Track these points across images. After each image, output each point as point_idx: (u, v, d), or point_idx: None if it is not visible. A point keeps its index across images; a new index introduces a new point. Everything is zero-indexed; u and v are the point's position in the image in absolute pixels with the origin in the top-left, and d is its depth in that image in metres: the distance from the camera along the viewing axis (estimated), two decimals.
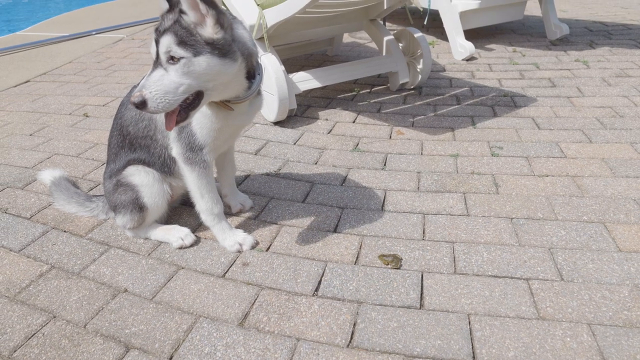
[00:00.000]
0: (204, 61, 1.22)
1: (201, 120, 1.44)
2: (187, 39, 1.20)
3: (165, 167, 1.63)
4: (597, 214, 1.70)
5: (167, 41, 1.20)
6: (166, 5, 1.24)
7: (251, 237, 1.63)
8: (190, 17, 1.20)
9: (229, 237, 1.61)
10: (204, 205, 1.59)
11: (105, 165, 1.75)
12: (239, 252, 1.60)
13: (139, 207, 1.60)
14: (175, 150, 1.53)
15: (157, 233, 1.67)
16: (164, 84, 1.21)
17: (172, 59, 1.21)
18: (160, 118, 1.53)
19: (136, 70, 3.70)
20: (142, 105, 1.20)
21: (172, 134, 1.51)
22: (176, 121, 1.28)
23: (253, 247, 1.62)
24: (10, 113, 2.92)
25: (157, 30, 1.23)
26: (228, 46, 1.26)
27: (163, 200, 1.64)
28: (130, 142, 1.62)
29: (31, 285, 1.48)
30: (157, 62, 1.23)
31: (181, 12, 1.20)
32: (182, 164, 1.53)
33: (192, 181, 1.55)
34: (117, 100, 3.03)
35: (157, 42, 1.22)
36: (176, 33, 1.20)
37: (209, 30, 1.22)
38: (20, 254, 1.63)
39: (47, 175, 1.94)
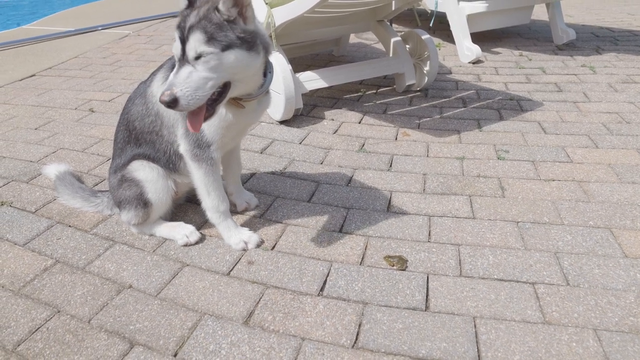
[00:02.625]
0: (232, 55, 1.23)
1: None
2: (216, 35, 1.20)
3: (170, 164, 1.62)
4: (603, 219, 1.70)
5: (196, 38, 1.19)
6: (184, 4, 1.24)
7: (256, 236, 1.63)
8: (226, 12, 1.20)
9: (235, 235, 1.61)
10: (210, 202, 1.59)
11: (110, 160, 1.75)
12: (244, 250, 1.60)
13: (143, 202, 1.60)
14: (183, 147, 1.53)
15: (162, 230, 1.67)
16: (193, 81, 1.20)
17: (200, 56, 1.20)
18: (168, 114, 1.52)
19: (142, 66, 3.70)
20: (173, 103, 1.20)
21: (180, 131, 1.51)
22: (205, 117, 1.28)
23: (258, 246, 1.61)
24: (15, 107, 2.92)
25: (181, 27, 1.22)
26: (254, 39, 1.27)
27: (167, 196, 1.64)
28: (136, 137, 1.62)
29: (35, 280, 1.48)
30: (183, 60, 1.22)
31: (217, 9, 1.20)
32: (189, 161, 1.53)
33: (199, 178, 1.55)
34: (123, 96, 3.03)
35: (182, 40, 1.21)
36: (205, 29, 1.19)
37: (243, 23, 1.23)
38: (24, 247, 1.63)
39: (52, 170, 1.94)
